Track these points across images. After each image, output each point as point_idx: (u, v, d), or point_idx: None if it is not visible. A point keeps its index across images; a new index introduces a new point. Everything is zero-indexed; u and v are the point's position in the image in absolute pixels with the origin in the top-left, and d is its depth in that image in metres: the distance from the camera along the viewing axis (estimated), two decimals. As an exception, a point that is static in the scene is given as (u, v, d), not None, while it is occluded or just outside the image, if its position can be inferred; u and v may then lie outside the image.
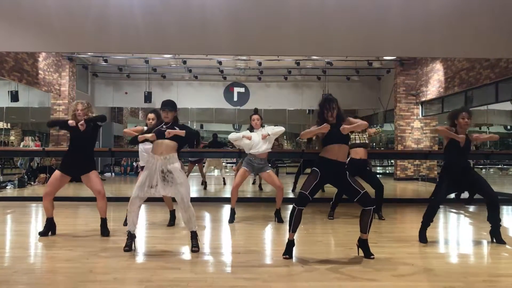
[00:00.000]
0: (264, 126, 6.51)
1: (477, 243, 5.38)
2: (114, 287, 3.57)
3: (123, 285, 3.63)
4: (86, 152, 5.48)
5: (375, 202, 4.48)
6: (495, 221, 5.21)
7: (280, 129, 6.37)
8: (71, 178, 5.49)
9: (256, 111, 6.61)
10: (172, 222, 6.22)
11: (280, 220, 6.56)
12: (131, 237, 4.77)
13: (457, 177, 5.20)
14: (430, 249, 4.93)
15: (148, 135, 4.74)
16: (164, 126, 4.81)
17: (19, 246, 5.10)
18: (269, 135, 6.31)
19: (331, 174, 4.42)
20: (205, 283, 3.67)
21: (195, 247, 4.72)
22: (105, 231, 5.49)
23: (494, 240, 5.22)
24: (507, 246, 5.09)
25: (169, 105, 4.85)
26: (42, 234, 5.40)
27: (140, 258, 4.52)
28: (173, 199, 6.02)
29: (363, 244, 4.55)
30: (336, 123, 4.43)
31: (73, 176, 5.46)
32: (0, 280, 3.71)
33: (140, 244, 5.07)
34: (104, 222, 5.52)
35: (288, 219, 4.57)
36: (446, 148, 5.32)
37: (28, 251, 4.85)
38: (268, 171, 6.42)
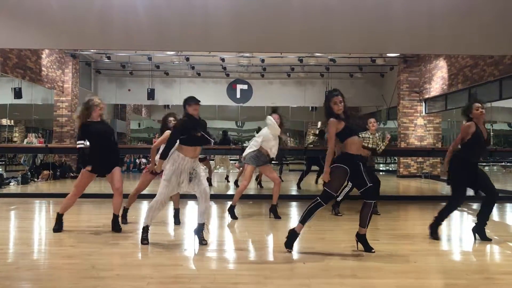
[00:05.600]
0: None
1: (480, 240, 5.35)
2: (117, 283, 3.58)
3: (126, 281, 3.64)
4: (112, 148, 5.50)
5: (377, 198, 4.48)
6: (484, 218, 5.14)
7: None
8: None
9: (275, 110, 6.61)
10: (178, 220, 6.10)
11: (277, 216, 6.57)
12: (148, 230, 4.86)
13: (473, 172, 5.08)
14: (433, 246, 4.92)
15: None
16: (201, 133, 4.73)
17: (22, 242, 5.12)
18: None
19: (356, 168, 4.44)
20: (207, 279, 3.67)
21: (204, 240, 4.85)
22: (117, 227, 5.49)
23: (478, 238, 5.14)
24: (510, 244, 5.07)
25: (194, 99, 4.80)
26: (56, 230, 5.40)
27: (142, 255, 4.52)
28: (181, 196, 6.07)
29: (361, 238, 4.57)
30: (345, 117, 4.52)
31: (101, 174, 5.49)
32: (3, 276, 3.72)
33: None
34: (116, 218, 5.53)
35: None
36: (467, 142, 5.05)
37: (31, 247, 4.87)
38: (270, 165, 6.57)
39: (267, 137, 6.35)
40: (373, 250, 4.49)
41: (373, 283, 3.64)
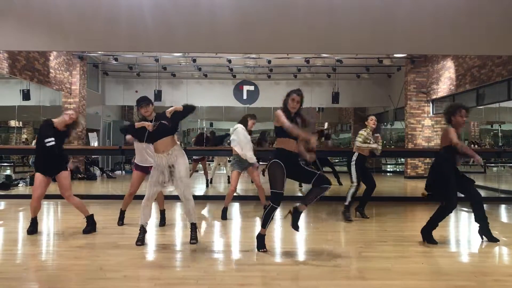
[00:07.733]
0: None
1: (488, 242, 5.31)
2: (124, 284, 3.59)
3: (133, 282, 3.65)
4: (54, 152, 5.36)
5: (330, 183, 4.44)
6: (483, 219, 5.10)
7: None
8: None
9: (254, 116, 6.79)
10: (163, 222, 6.08)
11: None
12: (144, 231, 4.89)
13: (456, 175, 5.03)
14: (440, 248, 4.89)
15: (146, 123, 4.70)
16: (155, 124, 4.74)
17: (30, 243, 5.14)
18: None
19: (290, 165, 4.44)
20: (214, 281, 3.67)
21: (194, 240, 4.89)
22: (85, 228, 5.54)
23: (485, 239, 5.12)
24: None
25: (145, 100, 4.84)
26: (30, 232, 5.39)
27: (149, 256, 4.54)
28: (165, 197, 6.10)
29: (296, 213, 4.50)
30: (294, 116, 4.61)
31: (50, 175, 5.50)
32: (12, 277, 3.74)
33: (150, 242, 5.09)
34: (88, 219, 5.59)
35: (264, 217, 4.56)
36: (448, 147, 4.95)
37: (39, 249, 4.91)
38: (256, 169, 6.69)
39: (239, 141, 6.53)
40: (297, 230, 4.50)
41: (381, 285, 3.63)
